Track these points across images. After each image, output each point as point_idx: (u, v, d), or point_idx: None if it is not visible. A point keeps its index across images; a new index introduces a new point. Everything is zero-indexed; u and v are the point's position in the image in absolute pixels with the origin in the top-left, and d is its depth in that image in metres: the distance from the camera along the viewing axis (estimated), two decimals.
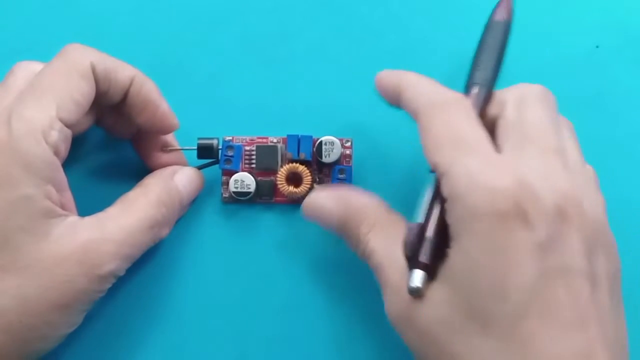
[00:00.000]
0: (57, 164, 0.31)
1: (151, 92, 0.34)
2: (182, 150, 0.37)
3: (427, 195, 0.31)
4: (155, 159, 0.37)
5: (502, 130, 0.31)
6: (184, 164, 0.37)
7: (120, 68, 0.33)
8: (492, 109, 0.32)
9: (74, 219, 0.31)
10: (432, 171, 0.30)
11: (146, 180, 0.35)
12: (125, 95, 0.34)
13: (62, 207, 0.31)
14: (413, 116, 0.32)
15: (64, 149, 0.31)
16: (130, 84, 0.34)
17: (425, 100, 0.31)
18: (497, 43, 0.34)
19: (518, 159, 0.29)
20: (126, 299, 0.36)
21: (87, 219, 0.32)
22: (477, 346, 0.27)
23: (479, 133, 0.30)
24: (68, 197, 0.32)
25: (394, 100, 0.33)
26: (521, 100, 0.31)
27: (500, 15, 0.34)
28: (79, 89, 0.31)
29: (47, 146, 0.30)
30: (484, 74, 0.33)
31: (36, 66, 0.33)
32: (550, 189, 0.28)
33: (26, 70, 0.33)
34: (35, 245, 0.30)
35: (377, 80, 0.34)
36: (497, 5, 0.35)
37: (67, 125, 0.31)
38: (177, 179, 0.35)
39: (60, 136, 0.31)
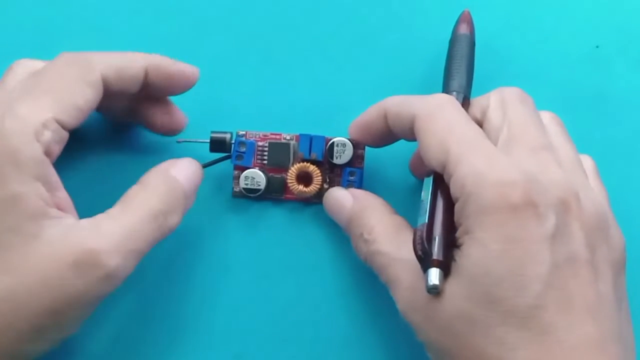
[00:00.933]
0: (48, 162, 0.30)
1: (169, 68, 0.34)
2: (184, 115, 0.37)
3: (426, 197, 0.31)
4: (159, 120, 0.37)
5: (489, 133, 0.31)
6: (185, 123, 0.37)
7: (130, 63, 0.33)
8: (476, 114, 0.33)
9: (69, 221, 0.30)
10: (428, 175, 0.32)
11: (144, 176, 0.34)
12: (143, 83, 0.34)
13: (58, 208, 0.30)
14: (405, 127, 0.32)
15: (58, 149, 0.31)
16: (146, 73, 0.34)
17: (420, 106, 0.31)
18: (464, 53, 0.36)
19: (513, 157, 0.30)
20: (132, 293, 0.36)
21: (84, 220, 0.31)
22: (498, 337, 0.27)
23: (477, 130, 0.30)
24: (63, 198, 0.31)
25: (380, 129, 0.34)
26: (502, 103, 0.32)
27: (463, 29, 0.36)
28: (83, 95, 0.31)
29: (38, 145, 0.29)
30: (459, 82, 0.35)
31: (36, 64, 0.33)
32: (549, 182, 0.29)
33: (25, 67, 0.32)
34: (25, 246, 0.29)
35: (355, 127, 0.35)
36: (459, 20, 0.37)
37: (65, 128, 0.31)
38: (173, 171, 0.34)
39: (54, 137, 0.30)
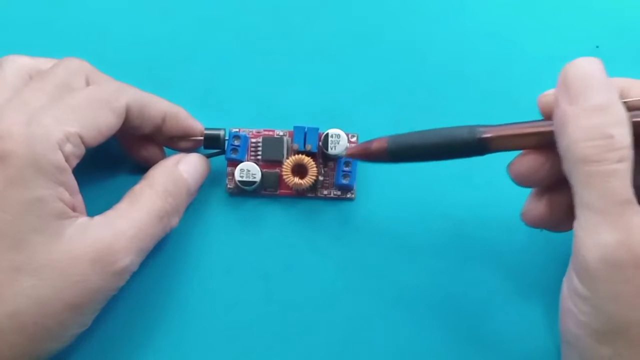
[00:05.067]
0: (69, 169, 0.31)
1: (186, 120, 0.36)
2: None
3: None
4: (142, 156, 0.38)
5: None
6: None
7: (154, 104, 0.35)
8: None
9: (84, 219, 0.31)
10: None
11: (151, 172, 0.35)
12: (157, 128, 0.35)
13: (73, 209, 0.31)
14: None
15: (74, 163, 0.32)
16: (164, 118, 0.35)
17: None
18: None
19: None
20: (130, 293, 0.36)
21: (97, 218, 0.32)
22: None
23: None
24: (79, 200, 0.32)
25: None
26: None
27: None
28: (106, 121, 0.32)
29: (60, 153, 0.30)
30: None
31: (24, 60, 0.33)
32: None
33: (15, 63, 0.33)
34: (48, 245, 0.30)
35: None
36: None
37: (84, 145, 0.32)
38: (181, 168, 0.35)
39: (74, 151, 0.31)
